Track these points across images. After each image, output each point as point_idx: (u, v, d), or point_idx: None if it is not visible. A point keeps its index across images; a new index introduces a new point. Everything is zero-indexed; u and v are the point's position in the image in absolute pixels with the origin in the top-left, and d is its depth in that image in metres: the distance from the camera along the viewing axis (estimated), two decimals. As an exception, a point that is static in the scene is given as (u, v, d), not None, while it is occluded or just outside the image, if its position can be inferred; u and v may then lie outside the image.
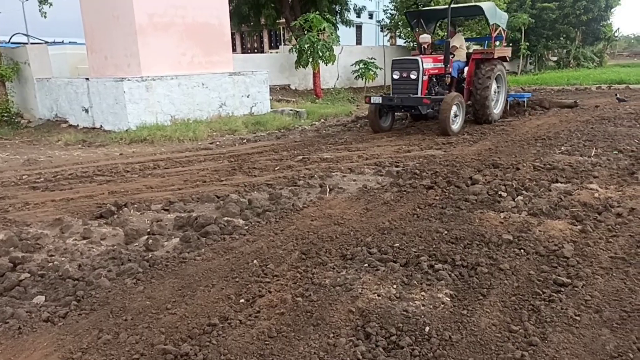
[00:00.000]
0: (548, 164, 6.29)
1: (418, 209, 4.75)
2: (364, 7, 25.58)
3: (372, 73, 18.01)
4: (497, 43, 10.78)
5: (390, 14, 22.70)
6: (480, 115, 10.05)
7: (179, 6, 10.93)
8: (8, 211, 5.20)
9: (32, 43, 15.47)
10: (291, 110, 12.55)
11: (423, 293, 3.03)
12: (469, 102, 10.27)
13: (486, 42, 11.99)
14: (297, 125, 11.21)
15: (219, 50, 11.97)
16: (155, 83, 10.42)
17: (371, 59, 18.40)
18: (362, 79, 18.29)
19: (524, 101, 11.91)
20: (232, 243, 4.02)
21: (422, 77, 9.07)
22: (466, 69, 10.29)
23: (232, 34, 29.68)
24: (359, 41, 33.49)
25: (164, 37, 10.76)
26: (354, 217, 4.58)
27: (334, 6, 21.34)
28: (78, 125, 11.55)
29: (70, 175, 6.86)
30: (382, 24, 25.43)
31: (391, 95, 9.36)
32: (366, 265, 3.47)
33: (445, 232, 4.02)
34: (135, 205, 5.14)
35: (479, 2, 11.25)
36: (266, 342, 2.56)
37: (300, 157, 7.50)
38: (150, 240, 4.04)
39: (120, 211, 4.95)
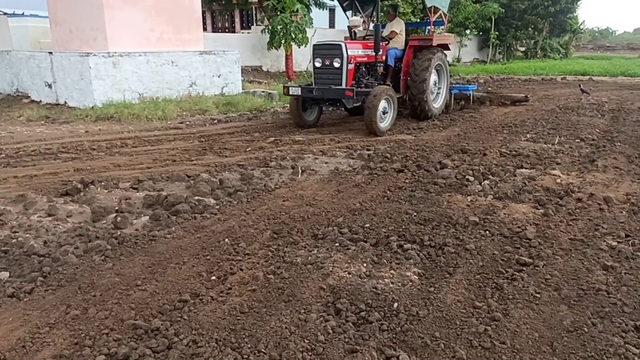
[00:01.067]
0: (514, 150, 6.48)
1: (388, 192, 4.83)
2: (338, -11, 25.51)
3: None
4: (440, 30, 10.30)
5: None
6: (418, 111, 8.89)
7: (148, -20, 10.59)
8: (-33, 187, 5.00)
9: (-10, 13, 14.73)
10: (263, 91, 12.43)
11: (392, 271, 3.11)
12: (405, 95, 9.05)
13: (426, 28, 10.53)
14: (269, 107, 11.12)
15: (189, 27, 11.68)
16: (123, 59, 10.12)
17: (344, 42, 18.35)
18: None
19: (469, 94, 10.85)
20: (203, 222, 4.00)
21: (347, 66, 7.70)
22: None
23: (203, 12, 29.01)
24: (332, 25, 33.28)
25: (132, 12, 10.42)
26: (326, 199, 4.62)
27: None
28: (41, 101, 11.13)
29: (33, 152, 6.64)
30: (355, 8, 25.42)
31: (313, 85, 8.09)
32: (337, 244, 3.52)
33: (415, 213, 4.11)
34: (103, 183, 5.03)
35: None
36: (238, 318, 2.58)
37: (272, 139, 7.47)
38: (119, 218, 3.98)
39: (87, 189, 4.83)
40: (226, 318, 2.58)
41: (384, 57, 8.66)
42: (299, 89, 8.00)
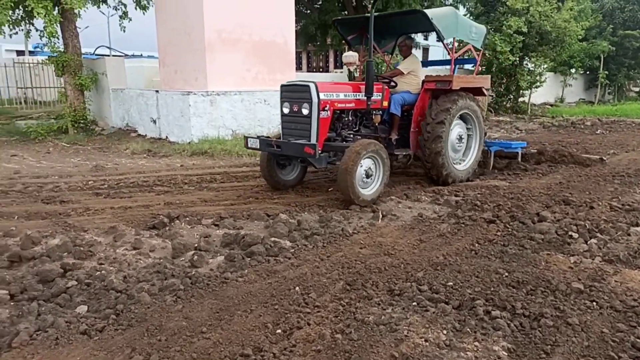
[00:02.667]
0: (627, 204, 5.71)
1: (477, 245, 4.41)
2: (433, 29, 25.42)
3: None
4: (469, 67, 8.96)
5: (459, 37, 22.22)
6: (433, 175, 6.83)
7: (246, 24, 11.20)
8: (69, 215, 5.39)
9: (113, 55, 16.48)
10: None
11: (476, 343, 2.73)
12: (417, 152, 6.96)
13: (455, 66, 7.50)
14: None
15: (282, 68, 12.11)
16: (220, 98, 10.68)
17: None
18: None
19: (516, 153, 8.52)
20: (276, 266, 3.89)
21: (318, 113, 5.75)
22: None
23: (299, 53, 30.25)
24: (425, 63, 33.21)
25: (230, 54, 11.04)
26: (406, 248, 4.32)
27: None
28: (146, 135, 12.05)
29: (132, 184, 7.08)
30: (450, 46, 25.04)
31: (282, 137, 6.24)
32: (415, 303, 3.20)
33: (506, 273, 3.67)
34: (187, 219, 5.16)
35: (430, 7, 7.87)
36: (298, 383, 2.38)
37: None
38: (196, 257, 4.00)
39: (172, 223, 4.97)
40: (286, 382, 2.38)
41: (385, 103, 6.68)
42: (258, 140, 6.16)
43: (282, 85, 6.19)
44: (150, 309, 3.16)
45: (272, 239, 4.50)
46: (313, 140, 5.76)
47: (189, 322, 3.00)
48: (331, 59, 33.38)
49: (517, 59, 18.07)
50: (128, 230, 4.79)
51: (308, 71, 30.86)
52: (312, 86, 5.81)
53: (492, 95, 19.84)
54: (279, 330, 2.90)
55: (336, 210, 5.51)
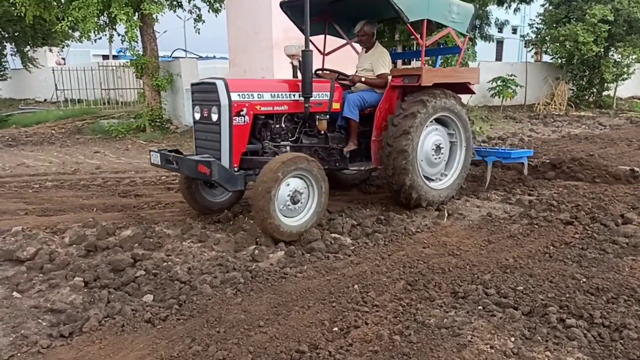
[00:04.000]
0: None
1: (551, 247, 4.10)
2: (507, 21, 24.10)
3: (510, 91, 16.74)
4: (454, 59, 6.62)
5: (536, 28, 20.99)
6: (398, 192, 5.18)
7: (313, 22, 11.24)
8: (142, 208, 5.66)
9: (188, 57, 17.24)
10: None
11: (548, 353, 2.52)
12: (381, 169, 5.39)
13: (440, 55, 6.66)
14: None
15: (346, 66, 12.04)
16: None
17: (511, 76, 17.13)
18: (499, 97, 17.09)
19: (521, 163, 6.65)
20: (335, 263, 3.84)
21: (230, 119, 4.43)
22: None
23: (366, 50, 29.89)
24: (499, 57, 31.70)
25: (297, 52, 11.13)
26: (473, 249, 4.10)
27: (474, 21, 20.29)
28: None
29: (200, 179, 7.32)
30: (526, 39, 23.70)
31: (195, 150, 5.06)
32: (480, 307, 3.02)
33: (584, 279, 3.37)
34: (250, 214, 5.24)
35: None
36: (353, 383, 2.30)
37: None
38: (257, 251, 4.03)
39: (236, 218, 5.07)
40: (340, 381, 2.32)
41: (336, 106, 5.16)
42: (159, 155, 4.87)
43: (192, 84, 4.90)
44: (211, 300, 3.22)
45: (333, 235, 4.46)
46: (224, 154, 4.46)
47: (247, 316, 3.02)
48: (399, 55, 32.86)
49: (602, 49, 16.77)
50: (195, 223, 4.94)
51: (375, 68, 30.51)
52: (220, 84, 4.42)
53: (572, 89, 18.61)
54: (335, 328, 2.84)
55: (399, 209, 5.36)
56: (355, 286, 3.39)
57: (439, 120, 5.49)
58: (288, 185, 4.30)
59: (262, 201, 4.07)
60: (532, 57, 25.61)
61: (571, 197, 5.62)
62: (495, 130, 12.55)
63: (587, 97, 18.73)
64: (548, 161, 7.38)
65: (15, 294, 3.40)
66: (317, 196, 4.50)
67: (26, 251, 4.03)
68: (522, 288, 3.26)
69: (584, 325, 2.77)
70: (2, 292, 3.43)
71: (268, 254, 4.06)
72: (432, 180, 5.52)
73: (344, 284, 3.45)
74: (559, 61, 18.82)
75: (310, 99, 4.78)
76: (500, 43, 33.22)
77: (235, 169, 4.50)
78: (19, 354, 2.62)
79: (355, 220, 4.88)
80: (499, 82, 16.93)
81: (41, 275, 3.69)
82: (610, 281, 3.33)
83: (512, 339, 2.65)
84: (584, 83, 18.43)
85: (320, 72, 5.88)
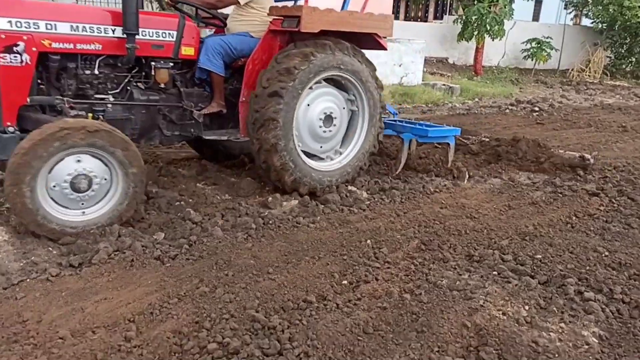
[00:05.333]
0: None
1: (574, 218, 3.96)
2: (549, -21, 22.86)
3: (544, 54, 16.01)
4: None
5: (579, -12, 19.82)
6: (267, 172, 4.05)
7: (345, -35, 10.68)
8: (158, 147, 5.59)
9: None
10: (444, 85, 11.73)
11: (563, 324, 2.44)
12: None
13: None
14: (448, 102, 10.42)
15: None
16: (311, 42, 10.45)
17: (547, 38, 16.32)
18: (532, 60, 16.38)
19: (445, 144, 5.06)
20: (349, 216, 3.76)
21: None
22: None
23: (397, 0, 28.85)
24: (536, 17, 30.20)
25: (326, -3, 10.65)
26: (492, 213, 3.98)
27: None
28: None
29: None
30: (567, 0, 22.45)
31: None
32: (495, 273, 2.93)
33: (607, 253, 3.25)
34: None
35: None
36: (359, 338, 2.26)
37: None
38: (270, 198, 3.96)
39: (252, 163, 4.98)
40: (346, 335, 2.28)
41: (189, 51, 3.93)
42: None
43: None
44: (222, 243, 3.19)
45: (349, 187, 4.35)
46: None
47: (257, 261, 2.98)
48: (431, 9, 31.56)
49: None
50: (210, 166, 4.87)
51: (405, 20, 29.51)
52: None
53: (609, 57, 17.73)
54: (345, 281, 2.79)
55: (418, 167, 5.21)
56: (368, 241, 3.32)
57: (335, 82, 4.25)
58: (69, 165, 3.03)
59: (15, 186, 2.87)
60: (571, 19, 24.37)
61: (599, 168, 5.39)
62: (525, 94, 12.09)
63: (624, 66, 17.89)
64: (472, 144, 5.83)
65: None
66: (122, 182, 3.21)
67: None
68: (540, 257, 3.16)
69: (602, 299, 2.67)
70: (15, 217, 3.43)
71: (281, 202, 3.98)
72: (321, 159, 4.31)
73: (356, 237, 3.38)
74: (599, 26, 17.86)
75: (137, 37, 3.52)
76: (539, 2, 31.55)
77: (11, 129, 3.20)
78: (28, 280, 2.63)
79: (372, 175, 4.76)
80: (533, 44, 16.17)
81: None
82: (634, 257, 3.20)
83: (527, 307, 2.57)
84: (623, 51, 17.54)
85: (172, 2, 4.24)
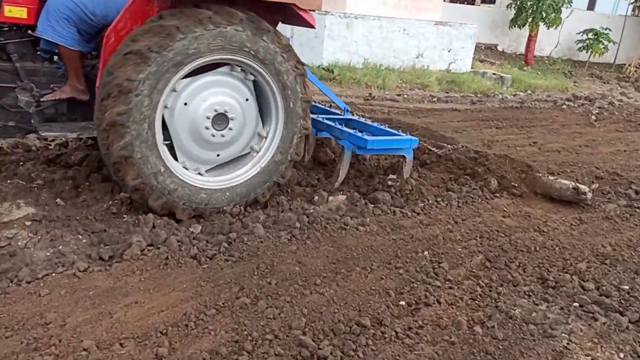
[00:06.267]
0: None
1: (657, 239, 3.49)
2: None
3: (601, 47, 15.02)
4: None
5: (644, -24, 18.46)
6: (129, 193, 2.96)
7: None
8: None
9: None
10: (494, 74, 11.08)
11: (666, 381, 2.05)
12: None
13: None
14: (498, 92, 9.81)
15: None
16: (357, 22, 9.95)
17: (605, 29, 15.28)
18: (587, 52, 15.40)
19: (402, 157, 3.96)
20: (402, 220, 3.39)
21: None
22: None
23: (445, -19, 27.62)
24: (591, 6, 28.57)
25: (374, -26, 10.07)
26: (562, 227, 3.55)
27: None
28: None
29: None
30: (628, -11, 21.02)
31: None
32: (577, 305, 2.54)
33: None
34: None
35: None
36: (425, 380, 1.93)
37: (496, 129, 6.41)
38: (316, 197, 3.59)
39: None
40: (410, 375, 1.95)
41: (22, 14, 2.95)
42: None
43: None
44: (263, 244, 2.87)
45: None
46: None
47: (302, 269, 2.66)
48: (479, -8, 30.26)
49: None
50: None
51: (451, 2, 28.36)
52: None
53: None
54: (402, 302, 2.45)
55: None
56: (426, 253, 2.96)
57: (245, 71, 3.11)
58: None
59: None
60: (632, 10, 22.87)
61: (676, 181, 4.84)
62: (581, 89, 11.33)
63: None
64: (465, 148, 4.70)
65: (59, 200, 3.18)
66: None
67: (74, 155, 3.79)
68: (627, 288, 2.74)
69: None
70: (46, 196, 3.21)
71: (327, 198, 3.64)
72: (210, 169, 3.21)
73: (412, 247, 3.02)
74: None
75: None
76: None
77: None
78: (53, 274, 2.38)
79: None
80: (590, 35, 15.21)
81: (87, 184, 3.44)
82: None
83: (621, 354, 2.18)
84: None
85: None
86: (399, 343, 2.13)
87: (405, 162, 3.92)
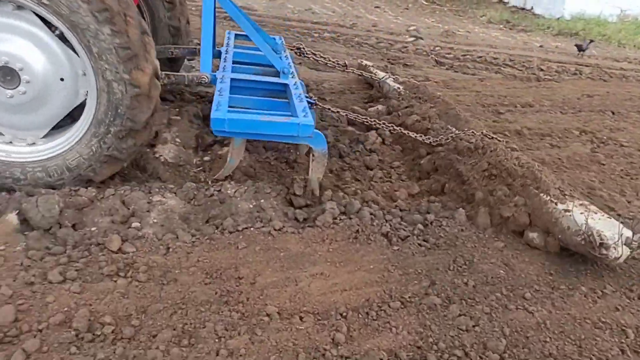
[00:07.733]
0: None
1: None
2: None
3: None
4: None
5: None
6: None
7: None
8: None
9: None
10: None
11: None
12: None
13: None
14: None
15: None
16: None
17: None
18: None
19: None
20: None
21: None
22: None
23: None
24: None
25: None
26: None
27: None
28: (508, 2, 10.55)
29: (479, 59, 6.23)
30: None
31: None
32: None
33: None
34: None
35: None
36: None
37: None
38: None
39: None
40: None
41: None
42: None
43: None
44: (464, 233, 2.50)
45: None
46: None
47: (509, 274, 2.24)
48: None
49: None
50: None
51: None
52: None
53: None
54: None
55: None
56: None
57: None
58: None
59: None
60: None
61: None
62: None
63: None
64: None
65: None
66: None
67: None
68: None
69: None
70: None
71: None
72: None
73: None
74: None
75: None
76: None
77: None
78: (252, 228, 2.44)
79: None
80: None
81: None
82: None
83: None
84: None
85: None
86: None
87: (312, 157, 2.64)
